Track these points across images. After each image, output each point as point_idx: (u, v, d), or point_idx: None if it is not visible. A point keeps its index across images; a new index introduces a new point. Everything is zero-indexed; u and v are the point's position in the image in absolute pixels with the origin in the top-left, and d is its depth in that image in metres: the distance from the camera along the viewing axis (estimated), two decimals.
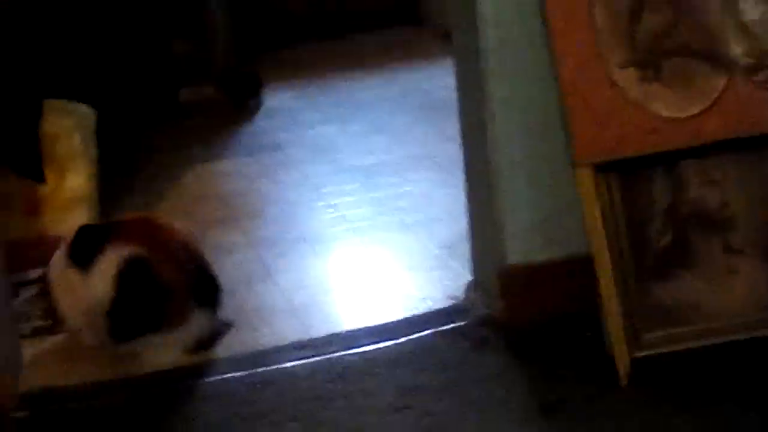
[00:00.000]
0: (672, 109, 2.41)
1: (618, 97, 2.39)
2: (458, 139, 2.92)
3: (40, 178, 3.31)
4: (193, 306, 2.70)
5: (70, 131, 3.41)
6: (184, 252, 2.74)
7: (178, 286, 2.68)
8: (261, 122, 4.98)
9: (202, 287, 2.76)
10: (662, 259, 2.50)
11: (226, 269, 3.25)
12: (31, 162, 3.27)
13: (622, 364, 2.41)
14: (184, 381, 2.61)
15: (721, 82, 2.42)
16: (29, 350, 2.81)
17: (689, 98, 2.41)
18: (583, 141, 2.40)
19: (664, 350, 2.47)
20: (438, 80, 5.22)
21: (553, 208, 2.71)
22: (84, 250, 2.71)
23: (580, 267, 2.58)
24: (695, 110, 2.41)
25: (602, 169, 2.45)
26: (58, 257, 2.77)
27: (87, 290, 2.69)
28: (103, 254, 2.66)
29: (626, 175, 2.49)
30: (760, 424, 2.21)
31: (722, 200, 2.52)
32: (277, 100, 5.34)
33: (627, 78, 2.40)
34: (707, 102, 2.42)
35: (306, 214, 3.75)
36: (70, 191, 3.39)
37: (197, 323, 2.72)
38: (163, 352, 2.70)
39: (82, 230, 2.80)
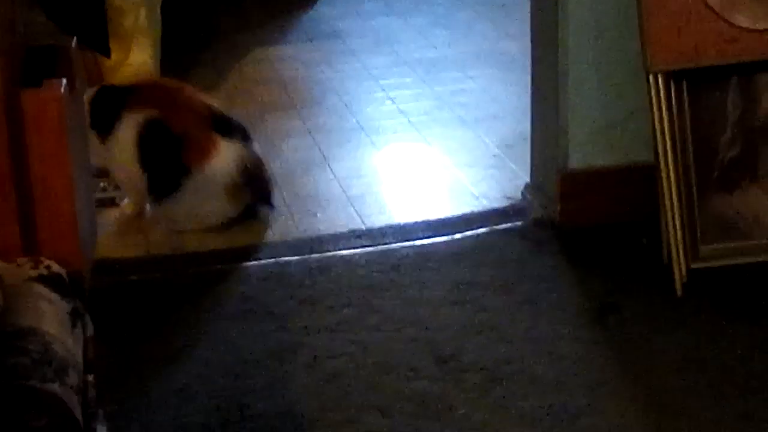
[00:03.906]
0: (753, 19, 2.36)
1: (699, 4, 2.34)
2: (521, 37, 2.88)
3: (106, 51, 3.31)
4: (215, 139, 2.77)
5: (136, 6, 3.40)
6: (194, 101, 2.84)
7: (193, 131, 2.77)
8: (323, 9, 4.94)
9: (221, 124, 2.82)
10: (728, 171, 2.48)
11: (283, 154, 3.28)
12: (97, 34, 3.27)
13: (679, 274, 2.41)
14: (242, 261, 2.65)
15: None
16: None
17: None
18: (659, 47, 2.36)
19: (722, 263, 2.46)
20: None
21: (618, 114, 2.69)
22: (103, 116, 2.84)
23: (641, 174, 2.58)
24: None
25: (675, 76, 2.42)
26: None
27: (111, 154, 2.84)
28: (121, 120, 2.81)
29: (698, 84, 2.46)
30: None
31: None
32: None
33: None
34: None
35: (364, 105, 3.74)
36: (134, 66, 3.40)
37: (227, 152, 2.77)
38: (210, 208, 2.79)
39: (100, 94, 2.90)
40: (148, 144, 2.79)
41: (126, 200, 2.94)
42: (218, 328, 2.35)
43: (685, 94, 2.46)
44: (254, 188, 2.85)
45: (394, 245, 2.71)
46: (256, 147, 2.89)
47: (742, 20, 2.36)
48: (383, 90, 3.86)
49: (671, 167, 2.42)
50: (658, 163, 2.42)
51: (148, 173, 2.80)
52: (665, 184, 2.42)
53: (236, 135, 2.83)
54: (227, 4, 4.91)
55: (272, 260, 2.65)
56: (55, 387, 1.25)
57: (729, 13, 2.36)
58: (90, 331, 1.53)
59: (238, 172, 2.79)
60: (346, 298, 2.46)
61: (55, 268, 1.51)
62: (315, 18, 4.82)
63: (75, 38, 1.76)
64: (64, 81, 1.53)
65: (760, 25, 2.36)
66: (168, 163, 2.78)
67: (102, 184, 3.02)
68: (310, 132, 3.48)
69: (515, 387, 2.12)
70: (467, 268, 2.58)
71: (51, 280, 1.49)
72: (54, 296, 1.45)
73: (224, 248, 2.73)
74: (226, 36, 4.53)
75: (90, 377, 1.44)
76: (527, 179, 2.94)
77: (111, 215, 2.93)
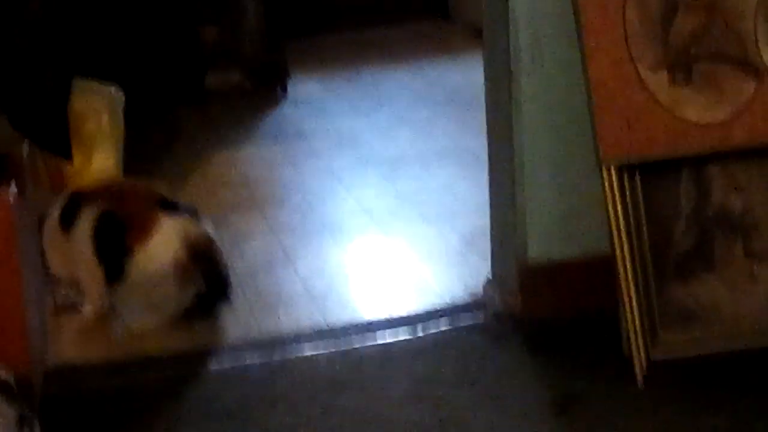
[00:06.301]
0: (701, 113, 2.41)
1: (647, 100, 2.40)
2: (482, 134, 2.93)
3: (68, 156, 3.33)
4: (157, 217, 2.80)
5: (98, 111, 3.44)
6: (140, 189, 2.97)
7: (137, 214, 2.83)
8: (286, 111, 4.99)
9: (167, 206, 2.86)
10: (683, 261, 2.51)
11: (246, 254, 3.28)
12: (59, 140, 3.29)
13: (639, 365, 2.42)
14: (203, 363, 2.64)
15: (750, 88, 2.42)
16: (50, 327, 2.84)
17: (718, 104, 2.42)
18: (610, 141, 2.41)
19: (683, 354, 2.47)
20: (464, 74, 5.23)
21: (574, 206, 2.72)
22: (68, 216, 2.92)
23: (600, 265, 2.59)
24: (724, 116, 2.42)
25: (627, 169, 2.46)
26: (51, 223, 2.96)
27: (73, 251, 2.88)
28: (80, 216, 2.87)
29: (651, 176, 2.50)
30: None
31: (746, 206, 2.52)
32: (304, 89, 5.34)
33: (657, 81, 2.41)
34: (736, 108, 2.42)
35: (328, 204, 3.77)
36: (97, 170, 3.41)
37: (169, 229, 2.78)
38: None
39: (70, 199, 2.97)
40: (101, 235, 2.82)
41: (87, 305, 2.92)
42: None
43: (638, 186, 2.50)
44: (205, 269, 2.81)
45: (356, 343, 2.71)
46: (207, 227, 2.88)
47: (691, 115, 2.42)
48: (346, 189, 3.89)
49: (627, 259, 2.44)
50: (614, 254, 2.45)
51: (104, 265, 2.81)
52: (622, 276, 2.44)
53: (182, 214, 2.85)
54: (191, 106, 4.96)
55: (233, 361, 2.64)
56: None
57: (677, 108, 2.42)
58: None
59: (183, 249, 2.77)
60: (307, 397, 2.44)
61: (3, 373, 1.49)
62: (279, 119, 4.87)
63: (27, 146, 1.78)
64: (13, 188, 1.53)
65: (708, 120, 2.42)
66: (115, 248, 2.80)
67: (64, 292, 3.01)
68: (273, 231, 3.49)
69: None
70: (429, 364, 2.57)
71: None
72: (1, 402, 1.44)
73: (185, 351, 2.71)
74: (189, 138, 4.56)
75: None
76: (489, 274, 2.96)
77: (73, 321, 2.92)
